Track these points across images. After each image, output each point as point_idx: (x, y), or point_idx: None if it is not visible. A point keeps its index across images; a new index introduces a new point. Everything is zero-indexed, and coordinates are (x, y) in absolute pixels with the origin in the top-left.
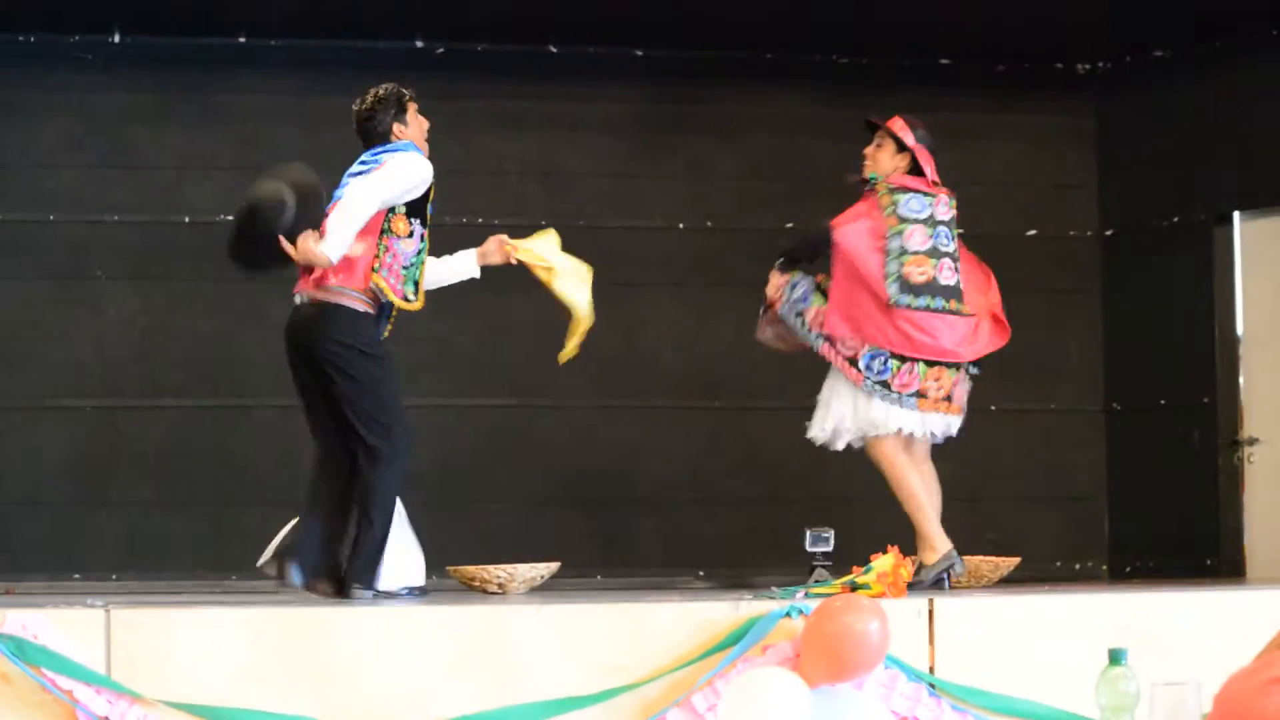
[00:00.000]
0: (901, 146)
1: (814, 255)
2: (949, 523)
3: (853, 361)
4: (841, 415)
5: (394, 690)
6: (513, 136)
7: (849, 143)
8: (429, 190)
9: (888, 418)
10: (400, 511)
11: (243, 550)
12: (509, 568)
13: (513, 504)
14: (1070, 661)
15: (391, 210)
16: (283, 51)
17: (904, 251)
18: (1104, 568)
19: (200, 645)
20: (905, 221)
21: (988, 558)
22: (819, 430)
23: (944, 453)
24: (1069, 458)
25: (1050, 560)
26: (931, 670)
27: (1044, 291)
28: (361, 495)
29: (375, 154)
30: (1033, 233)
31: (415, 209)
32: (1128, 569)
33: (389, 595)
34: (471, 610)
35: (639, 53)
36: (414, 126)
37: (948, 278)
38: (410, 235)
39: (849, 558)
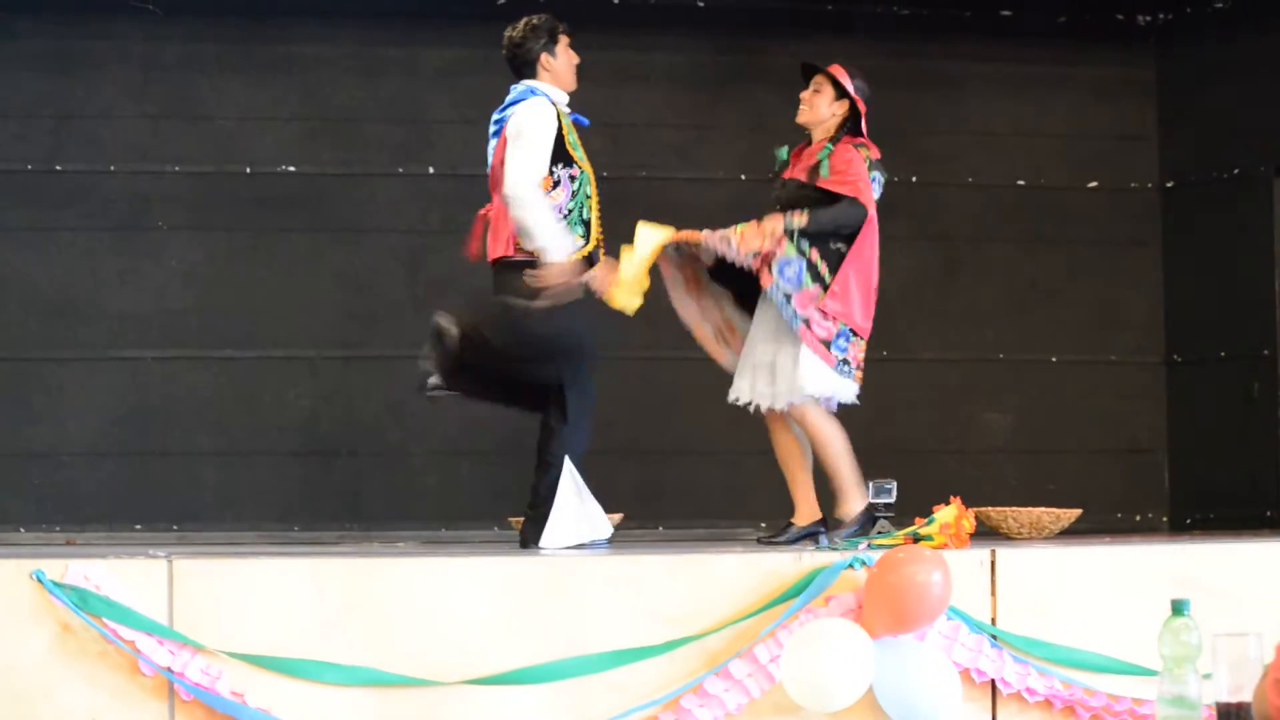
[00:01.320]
0: (841, 94)
1: (851, 236)
2: (1013, 471)
3: (826, 344)
4: (790, 384)
5: (455, 641)
6: (578, 86)
7: (911, 93)
8: (560, 133)
9: (835, 390)
10: (571, 470)
11: (304, 501)
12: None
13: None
14: (1132, 613)
15: None
16: (343, 2)
17: None
18: (1164, 519)
19: (262, 595)
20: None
21: (1049, 509)
22: (754, 395)
23: (1003, 404)
24: (1129, 409)
25: (1111, 512)
26: (993, 621)
27: (1104, 243)
28: (539, 444)
29: (505, 108)
30: (1093, 184)
31: (554, 155)
32: (1188, 521)
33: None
34: (534, 561)
35: (700, 3)
36: (562, 59)
37: None
38: (556, 185)
39: (911, 508)
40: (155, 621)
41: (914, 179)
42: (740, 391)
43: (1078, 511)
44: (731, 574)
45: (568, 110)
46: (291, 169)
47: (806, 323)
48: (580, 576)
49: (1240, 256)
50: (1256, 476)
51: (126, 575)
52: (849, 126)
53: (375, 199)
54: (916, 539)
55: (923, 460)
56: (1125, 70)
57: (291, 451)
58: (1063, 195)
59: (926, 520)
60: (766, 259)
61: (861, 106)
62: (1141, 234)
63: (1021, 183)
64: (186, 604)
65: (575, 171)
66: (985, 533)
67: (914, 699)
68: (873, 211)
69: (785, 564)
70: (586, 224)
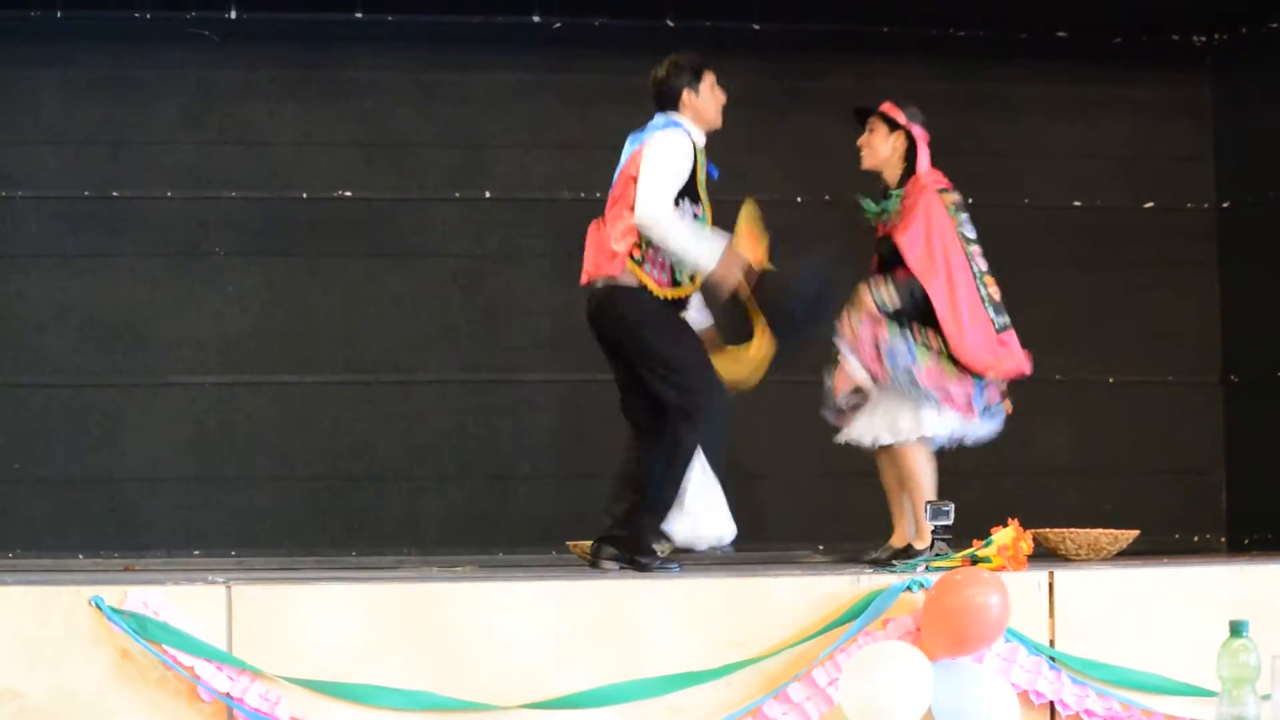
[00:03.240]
0: (893, 126)
1: (924, 311)
2: (1071, 493)
3: (968, 402)
4: (908, 426)
5: (513, 665)
6: (631, 111)
7: (966, 115)
8: (694, 169)
9: (967, 430)
10: (704, 467)
11: (362, 526)
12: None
13: (614, 477)
14: (1190, 634)
15: None
16: (399, 27)
17: (981, 274)
18: (1222, 540)
19: (321, 621)
20: (971, 242)
21: (1107, 530)
22: (874, 436)
23: (1061, 423)
24: (1186, 430)
25: (1168, 533)
26: (1051, 643)
27: (1161, 264)
28: (661, 453)
29: (644, 131)
30: (1150, 205)
31: (684, 192)
32: (1246, 541)
33: (665, 563)
34: (591, 585)
35: (756, 27)
36: (706, 96)
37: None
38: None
39: (971, 531)
40: (214, 647)
41: (969, 200)
42: (861, 436)
43: (1135, 533)
44: (789, 597)
45: (704, 153)
46: (348, 194)
47: (946, 393)
48: (637, 600)
49: None
50: None
51: (185, 601)
52: (912, 158)
53: (431, 223)
54: (974, 561)
55: (981, 482)
56: (1181, 91)
57: (349, 476)
58: (1119, 216)
59: (984, 542)
60: (878, 352)
61: (919, 134)
62: (1197, 254)
63: (1078, 204)
64: (245, 629)
65: (699, 210)
66: (1043, 554)
67: None
68: (960, 249)
69: (843, 587)
70: None
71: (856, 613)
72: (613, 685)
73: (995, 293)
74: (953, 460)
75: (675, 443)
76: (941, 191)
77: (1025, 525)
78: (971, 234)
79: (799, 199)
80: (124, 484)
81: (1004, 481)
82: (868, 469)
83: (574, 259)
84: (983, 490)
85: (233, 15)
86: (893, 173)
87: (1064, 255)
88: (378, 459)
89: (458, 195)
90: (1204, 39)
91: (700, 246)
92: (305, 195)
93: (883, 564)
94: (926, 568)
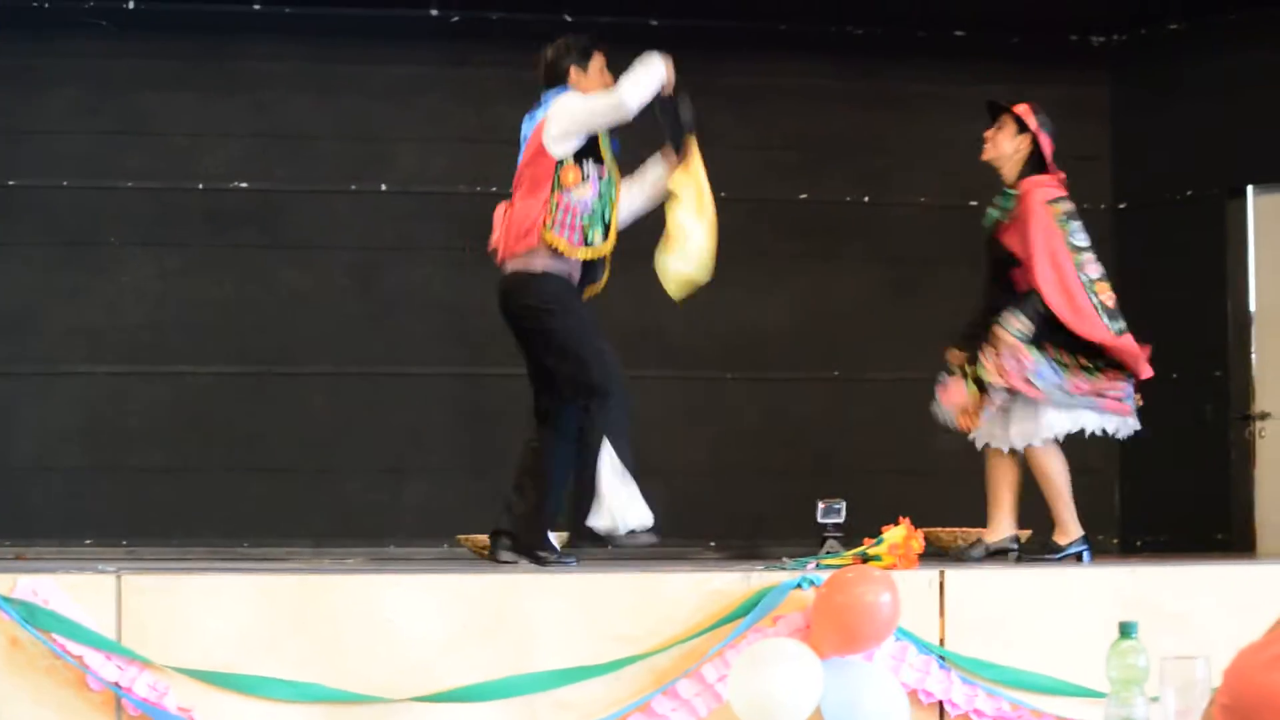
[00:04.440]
0: (1022, 128)
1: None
2: (964, 492)
3: (1120, 401)
4: (1033, 428)
5: (403, 658)
6: (528, 105)
7: (864, 114)
8: (596, 135)
9: (1119, 426)
10: (612, 457)
11: (254, 517)
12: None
13: (508, 471)
14: (1080, 635)
15: (559, 162)
16: (296, 18)
17: (1092, 281)
18: (1115, 541)
19: (211, 612)
20: (1081, 251)
21: None
22: (1009, 443)
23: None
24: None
25: None
26: (942, 642)
27: None
28: (569, 444)
29: (539, 108)
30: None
31: (586, 152)
32: (1138, 543)
33: (563, 558)
34: (482, 579)
35: (653, 22)
36: (594, 76)
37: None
38: (584, 181)
39: (864, 529)
40: (103, 636)
41: (866, 199)
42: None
43: (1028, 532)
44: (679, 593)
45: None
46: (244, 185)
47: (1100, 395)
48: (528, 594)
49: (1192, 278)
50: (1207, 499)
51: (75, 590)
52: (1033, 162)
53: (327, 215)
54: (865, 559)
55: (875, 480)
56: (1079, 91)
57: (241, 467)
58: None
59: (875, 540)
60: (1028, 381)
61: (1045, 142)
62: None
63: (974, 203)
64: (135, 619)
65: (603, 172)
66: (935, 553)
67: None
68: (1070, 258)
69: (733, 583)
70: (606, 225)
71: (746, 609)
72: (502, 679)
73: (1109, 299)
74: (847, 457)
75: (581, 433)
76: (1052, 202)
77: (918, 524)
78: (1083, 242)
79: (721, 194)
80: (16, 472)
81: (898, 480)
82: (761, 466)
83: (470, 252)
84: (876, 489)
85: (131, 5)
86: (1010, 171)
87: (960, 254)
88: (271, 451)
89: (354, 188)
90: (1102, 39)
91: (646, 73)
92: (201, 186)
93: (975, 560)
94: (817, 565)
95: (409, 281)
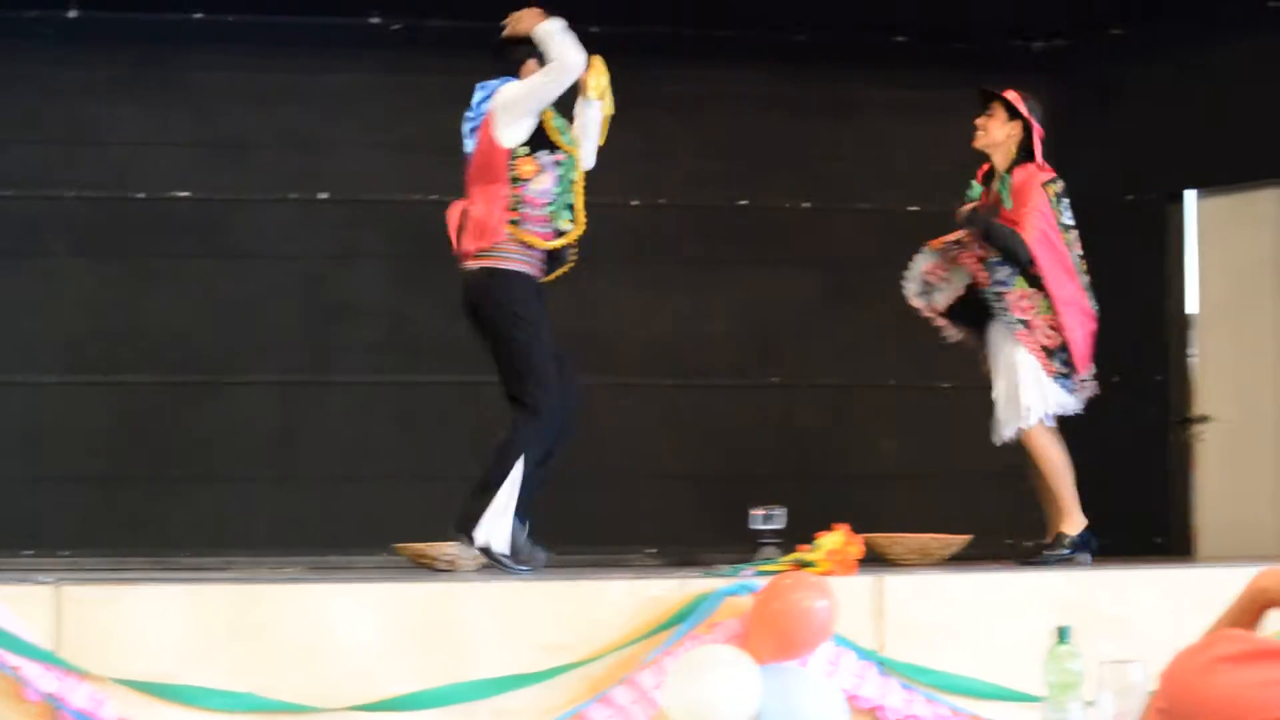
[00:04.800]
0: (1013, 114)
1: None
2: (902, 497)
3: (1048, 352)
4: (1013, 412)
5: (340, 667)
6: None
7: (805, 119)
8: (543, 124)
9: (1061, 403)
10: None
11: (194, 527)
12: (457, 545)
13: (446, 479)
14: (1019, 639)
15: (512, 155)
16: (238, 27)
17: (1080, 257)
18: None
19: (149, 622)
20: (1069, 229)
21: (937, 535)
22: (1022, 419)
23: (894, 428)
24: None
25: (1001, 538)
26: (880, 648)
27: None
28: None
29: (481, 103)
30: None
31: (537, 143)
32: None
33: (489, 555)
34: (419, 588)
35: (595, 29)
36: None
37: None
38: (541, 172)
39: (803, 534)
40: (40, 648)
41: (806, 204)
42: (1008, 431)
43: (966, 537)
44: (617, 600)
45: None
46: (185, 194)
47: (1027, 325)
48: (465, 602)
49: (1135, 282)
50: (1147, 503)
51: (12, 601)
52: (1024, 150)
53: (268, 224)
54: (802, 565)
55: (813, 486)
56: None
57: (183, 476)
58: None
59: (812, 546)
60: (981, 257)
61: (1036, 128)
62: None
63: (915, 208)
64: (73, 630)
65: (561, 157)
66: (873, 559)
67: None
68: (1060, 237)
69: (670, 590)
70: (571, 209)
71: (682, 616)
72: (438, 688)
73: (1086, 280)
74: (786, 462)
75: (510, 440)
76: (1046, 183)
77: (858, 529)
78: (1070, 222)
79: (635, 202)
80: None
81: (837, 485)
82: (700, 473)
83: (411, 260)
84: (814, 494)
85: (72, 14)
86: (1003, 158)
87: (902, 260)
88: (212, 460)
89: (295, 196)
90: (1044, 44)
91: (561, 35)
92: (143, 195)
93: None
94: (754, 572)
95: (350, 290)
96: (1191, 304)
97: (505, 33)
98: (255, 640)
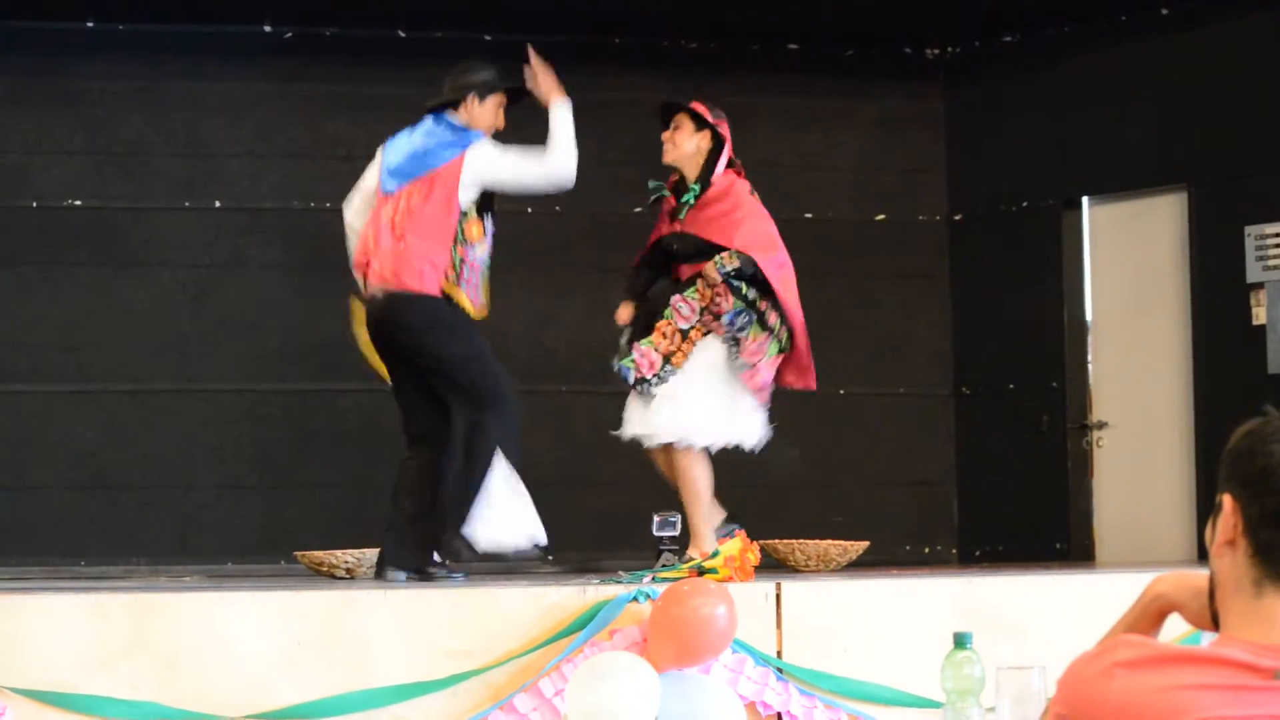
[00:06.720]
0: (700, 125)
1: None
2: (801, 504)
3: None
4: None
5: (239, 676)
6: (360, 121)
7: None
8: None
9: (753, 432)
10: (505, 470)
11: (91, 536)
12: (357, 552)
13: (344, 488)
14: (918, 645)
15: (464, 214)
16: (130, 35)
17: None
18: (953, 551)
19: (47, 631)
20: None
21: (836, 541)
22: (699, 436)
23: (793, 435)
24: (918, 441)
25: (899, 544)
26: (779, 654)
27: (892, 276)
28: (458, 458)
29: (434, 150)
30: (881, 217)
31: (485, 206)
32: (977, 553)
33: (451, 572)
34: (319, 595)
35: (487, 37)
36: (486, 113)
37: None
38: (483, 237)
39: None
40: None
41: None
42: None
43: (865, 544)
44: (515, 607)
45: None
46: (78, 203)
47: (752, 369)
48: (365, 610)
49: (1028, 289)
50: (1046, 509)
51: None
52: (713, 160)
53: (161, 233)
54: (701, 572)
55: (716, 493)
56: (913, 103)
57: (78, 485)
58: (850, 228)
59: (711, 553)
60: (717, 314)
61: (726, 135)
62: (929, 267)
63: (809, 216)
64: None
65: (494, 228)
66: (773, 565)
67: None
68: (782, 268)
69: (569, 597)
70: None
71: (583, 623)
72: (338, 696)
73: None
74: None
75: (472, 446)
76: (753, 193)
77: (756, 536)
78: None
79: (529, 210)
80: None
81: (735, 493)
82: (597, 479)
83: (305, 269)
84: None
85: None
86: (693, 169)
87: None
88: (107, 469)
89: (188, 204)
90: (936, 52)
91: (567, 136)
92: (35, 204)
93: None
94: (653, 578)
95: (243, 298)
96: (1088, 311)
97: (528, 85)
98: (156, 649)
